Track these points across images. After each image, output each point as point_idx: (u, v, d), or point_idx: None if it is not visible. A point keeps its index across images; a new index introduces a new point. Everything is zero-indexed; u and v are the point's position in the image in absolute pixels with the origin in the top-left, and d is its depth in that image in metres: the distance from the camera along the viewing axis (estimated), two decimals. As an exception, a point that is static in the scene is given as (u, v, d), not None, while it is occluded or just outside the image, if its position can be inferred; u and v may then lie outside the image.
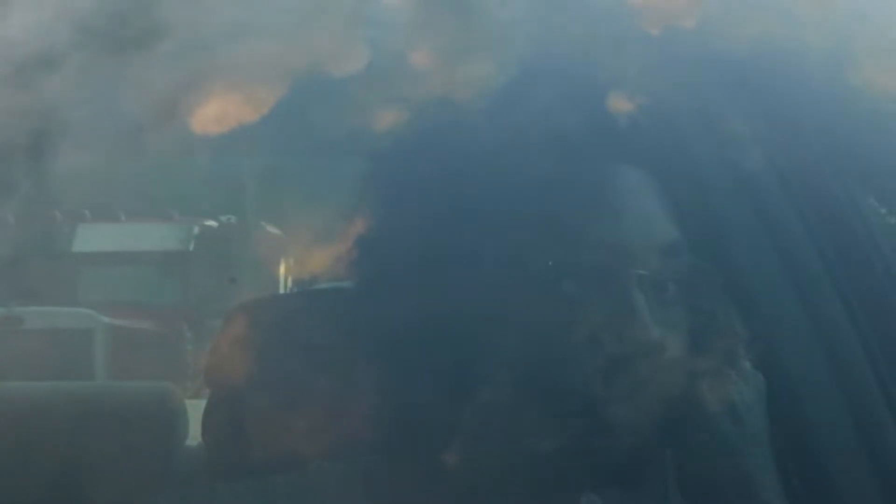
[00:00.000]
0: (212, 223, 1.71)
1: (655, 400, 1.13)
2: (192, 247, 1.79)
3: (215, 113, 0.96)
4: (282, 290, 1.04)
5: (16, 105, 1.00)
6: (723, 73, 1.22)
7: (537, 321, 1.04)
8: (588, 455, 1.07)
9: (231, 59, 0.99)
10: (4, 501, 1.26)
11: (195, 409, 1.27)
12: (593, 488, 1.08)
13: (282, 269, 1.02)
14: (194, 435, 1.43)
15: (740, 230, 1.27)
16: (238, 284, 1.02)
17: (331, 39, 1.01)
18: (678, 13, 1.11)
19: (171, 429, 1.44)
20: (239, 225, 1.52)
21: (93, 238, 1.84)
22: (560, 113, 1.16)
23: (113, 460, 1.05)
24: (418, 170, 1.05)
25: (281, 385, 1.04)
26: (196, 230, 1.79)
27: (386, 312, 1.05)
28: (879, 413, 1.19)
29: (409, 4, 1.07)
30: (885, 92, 1.19)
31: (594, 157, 1.42)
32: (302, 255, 0.99)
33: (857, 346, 1.20)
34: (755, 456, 1.30)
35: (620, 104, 1.15)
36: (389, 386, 1.03)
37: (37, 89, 0.98)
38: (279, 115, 0.99)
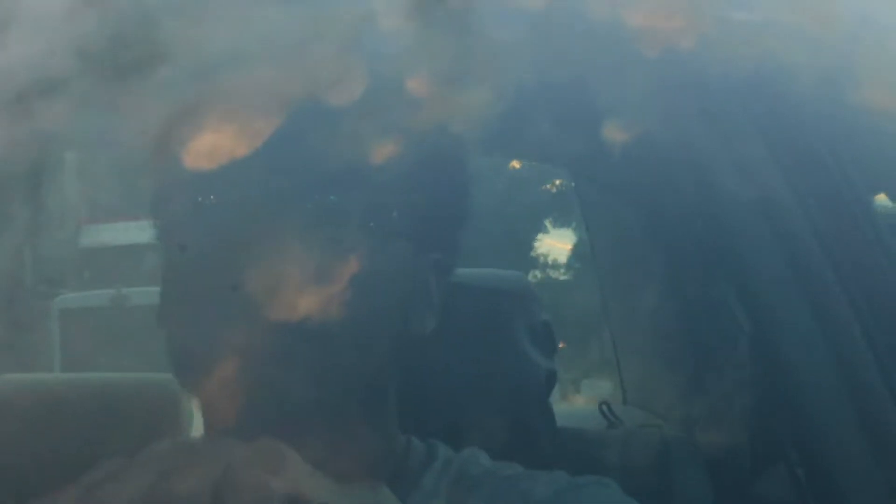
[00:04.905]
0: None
1: None
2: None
3: (210, 142, 0.96)
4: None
5: (16, 133, 1.00)
6: (730, 90, 1.22)
7: None
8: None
9: (228, 86, 0.99)
10: (4, 493, 1.26)
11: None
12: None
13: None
14: (197, 426, 1.44)
15: (750, 239, 1.27)
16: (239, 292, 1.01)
17: (328, 67, 1.01)
18: (678, 35, 1.10)
19: (174, 420, 1.45)
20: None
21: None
22: (562, 136, 1.17)
23: (114, 452, 1.05)
24: (416, 198, 1.06)
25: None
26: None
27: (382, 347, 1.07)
28: (887, 411, 1.19)
29: (407, 31, 1.06)
30: (886, 108, 1.18)
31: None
32: (293, 290, 0.99)
33: (865, 350, 1.21)
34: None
35: (621, 127, 1.15)
36: None
37: (36, 117, 0.98)
38: (275, 144, 0.99)
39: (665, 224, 1.62)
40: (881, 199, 1.33)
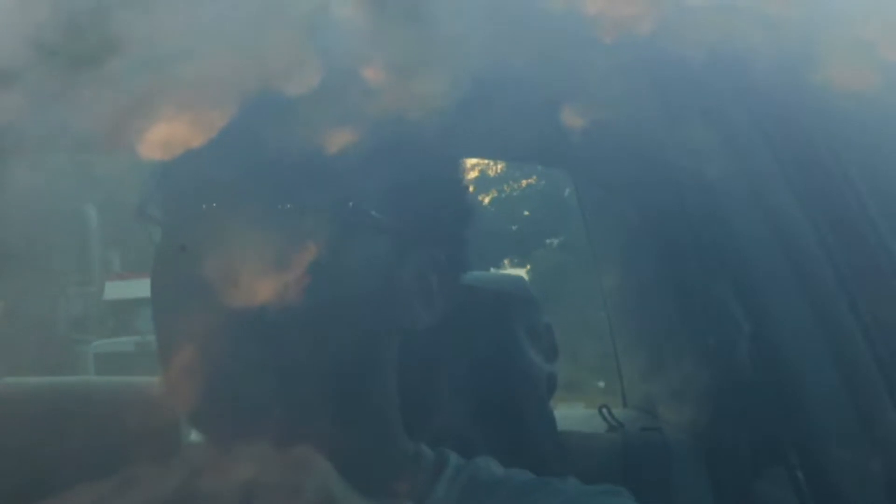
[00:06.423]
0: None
1: None
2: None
3: (165, 131, 0.96)
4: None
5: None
6: (712, 74, 1.22)
7: None
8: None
9: (182, 75, 0.99)
10: (5, 495, 1.26)
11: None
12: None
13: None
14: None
15: (745, 230, 1.27)
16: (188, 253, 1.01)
17: (284, 56, 1.00)
18: (637, 20, 1.10)
19: (172, 423, 1.45)
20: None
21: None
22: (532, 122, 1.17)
23: (114, 456, 1.05)
24: (371, 187, 1.06)
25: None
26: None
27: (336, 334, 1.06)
28: (886, 412, 1.19)
29: (363, 19, 1.06)
30: (853, 88, 1.18)
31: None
32: (247, 278, 0.98)
33: (865, 350, 1.20)
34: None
35: (581, 113, 1.15)
36: None
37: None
38: (231, 133, 0.98)
39: (662, 223, 1.62)
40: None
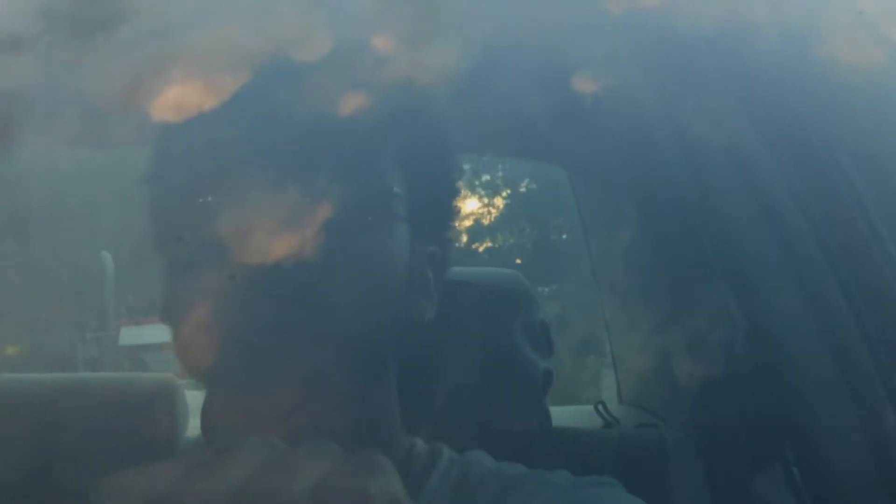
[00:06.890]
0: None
1: None
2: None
3: (175, 99, 0.95)
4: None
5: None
6: (708, 55, 1.22)
7: None
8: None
9: (192, 44, 0.98)
10: (4, 492, 1.27)
11: (195, 401, 1.27)
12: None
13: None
14: (194, 425, 1.44)
15: (738, 217, 1.27)
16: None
17: (293, 24, 1.00)
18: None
19: (171, 420, 1.45)
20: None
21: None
22: (527, 97, 1.17)
23: (112, 452, 1.05)
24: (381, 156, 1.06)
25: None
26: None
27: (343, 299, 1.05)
28: (880, 404, 1.19)
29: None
30: (857, 66, 1.18)
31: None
32: (256, 245, 0.98)
33: (858, 337, 1.20)
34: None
35: (588, 87, 1.15)
36: None
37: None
38: (241, 102, 0.98)
39: (660, 218, 1.63)
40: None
